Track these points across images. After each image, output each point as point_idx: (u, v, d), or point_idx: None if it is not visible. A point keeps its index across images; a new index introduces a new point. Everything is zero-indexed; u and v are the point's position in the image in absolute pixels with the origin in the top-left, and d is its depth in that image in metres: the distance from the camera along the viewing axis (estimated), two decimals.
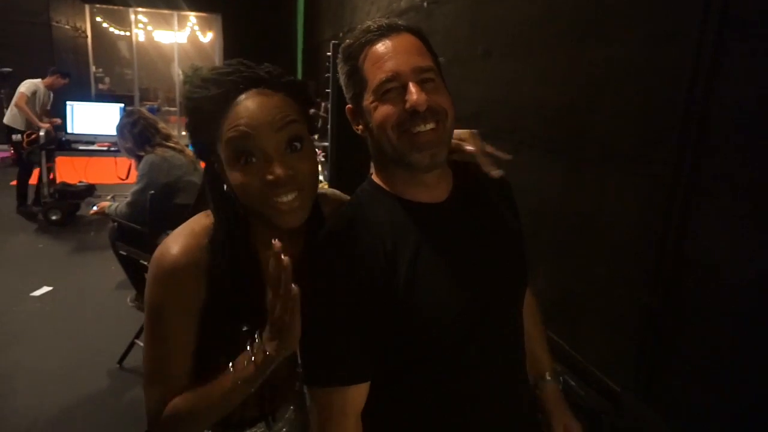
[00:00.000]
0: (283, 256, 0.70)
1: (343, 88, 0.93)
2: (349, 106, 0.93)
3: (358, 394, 0.83)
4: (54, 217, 4.95)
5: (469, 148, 0.97)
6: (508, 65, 3.23)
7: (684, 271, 1.63)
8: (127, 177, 4.43)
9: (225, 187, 0.86)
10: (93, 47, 10.81)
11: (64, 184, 5.28)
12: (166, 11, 11.23)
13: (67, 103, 5.08)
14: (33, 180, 5.22)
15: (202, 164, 0.96)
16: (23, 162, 5.18)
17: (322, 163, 5.21)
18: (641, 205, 1.82)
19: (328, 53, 2.27)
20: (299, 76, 8.37)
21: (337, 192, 1.06)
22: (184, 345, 0.82)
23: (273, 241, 0.71)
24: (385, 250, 0.84)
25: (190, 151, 3.35)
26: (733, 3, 1.41)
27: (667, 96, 1.67)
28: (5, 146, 7.32)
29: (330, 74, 2.29)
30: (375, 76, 0.84)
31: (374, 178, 0.95)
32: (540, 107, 2.84)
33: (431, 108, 0.83)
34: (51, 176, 5.16)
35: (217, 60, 11.40)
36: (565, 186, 2.35)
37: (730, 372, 1.47)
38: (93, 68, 10.86)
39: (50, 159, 5.10)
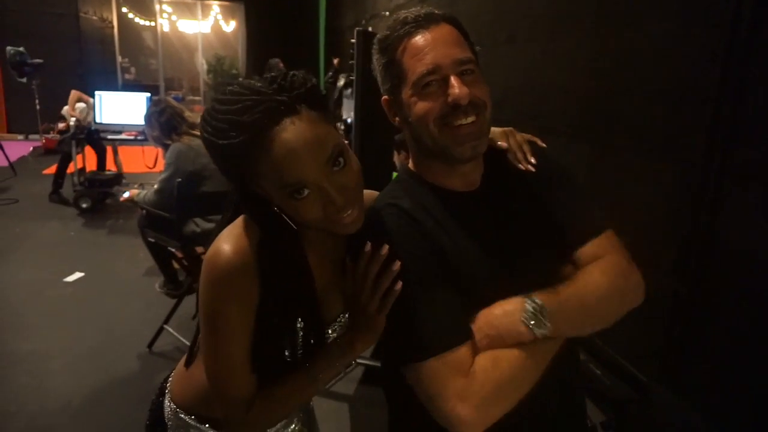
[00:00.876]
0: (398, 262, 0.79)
1: (379, 79, 0.93)
2: (386, 97, 0.93)
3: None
4: (84, 205, 5.08)
5: (502, 144, 0.99)
6: (532, 51, 3.18)
7: (715, 258, 1.60)
8: (155, 165, 4.50)
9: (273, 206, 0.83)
10: (119, 38, 10.98)
11: (94, 173, 5.40)
12: (190, 0, 11.33)
13: (96, 93, 5.18)
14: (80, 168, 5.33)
15: None
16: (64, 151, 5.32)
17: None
18: (670, 191, 1.79)
19: (352, 40, 2.26)
20: (322, 63, 8.37)
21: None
22: (246, 347, 0.82)
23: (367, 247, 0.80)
24: (423, 237, 0.86)
25: None
26: None
27: (699, 80, 1.63)
28: (37, 136, 7.53)
29: (354, 61, 2.29)
30: (414, 69, 0.84)
31: (410, 166, 0.97)
32: (565, 93, 2.79)
33: (472, 101, 0.83)
34: (80, 164, 5.29)
35: (240, 49, 11.47)
36: (591, 172, 2.32)
37: (761, 362, 1.45)
38: (119, 58, 11.03)
39: (80, 148, 5.22)
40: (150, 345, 2.79)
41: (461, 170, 0.91)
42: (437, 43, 0.84)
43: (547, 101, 2.94)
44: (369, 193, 1.00)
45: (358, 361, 2.62)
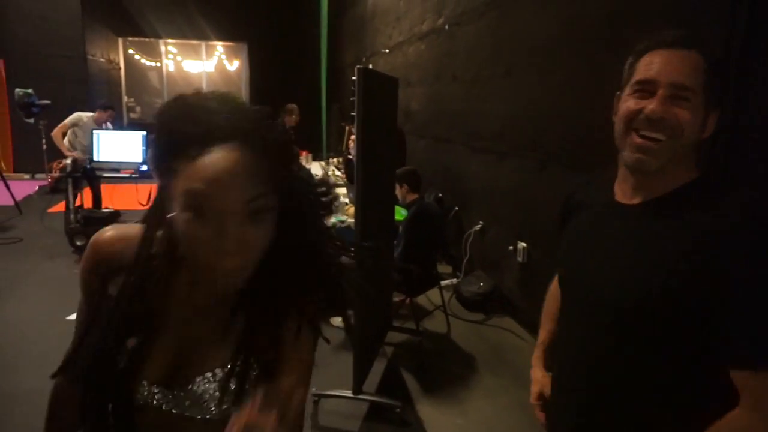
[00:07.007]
0: None
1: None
2: (618, 93, 1.01)
3: None
4: (79, 243, 5.02)
5: None
6: (529, 83, 3.23)
7: None
8: (148, 202, 4.47)
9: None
10: (125, 78, 11.23)
11: (90, 211, 5.40)
12: (194, 42, 11.61)
13: (93, 132, 5.23)
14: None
15: None
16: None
17: (347, 185, 5.20)
18: None
19: (353, 77, 2.31)
20: (323, 100, 8.51)
21: None
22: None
23: None
24: (571, 222, 1.10)
25: None
26: (761, 7, 1.39)
27: None
28: (43, 175, 7.62)
29: (355, 98, 2.32)
30: (639, 73, 0.94)
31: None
32: (562, 123, 2.83)
33: (665, 120, 0.88)
34: (78, 202, 5.30)
35: (244, 87, 11.69)
36: None
37: None
38: (125, 98, 11.27)
39: (77, 187, 5.22)
40: None
41: (631, 178, 0.97)
42: (669, 62, 0.90)
43: (546, 132, 2.97)
44: None
45: (363, 397, 2.57)
